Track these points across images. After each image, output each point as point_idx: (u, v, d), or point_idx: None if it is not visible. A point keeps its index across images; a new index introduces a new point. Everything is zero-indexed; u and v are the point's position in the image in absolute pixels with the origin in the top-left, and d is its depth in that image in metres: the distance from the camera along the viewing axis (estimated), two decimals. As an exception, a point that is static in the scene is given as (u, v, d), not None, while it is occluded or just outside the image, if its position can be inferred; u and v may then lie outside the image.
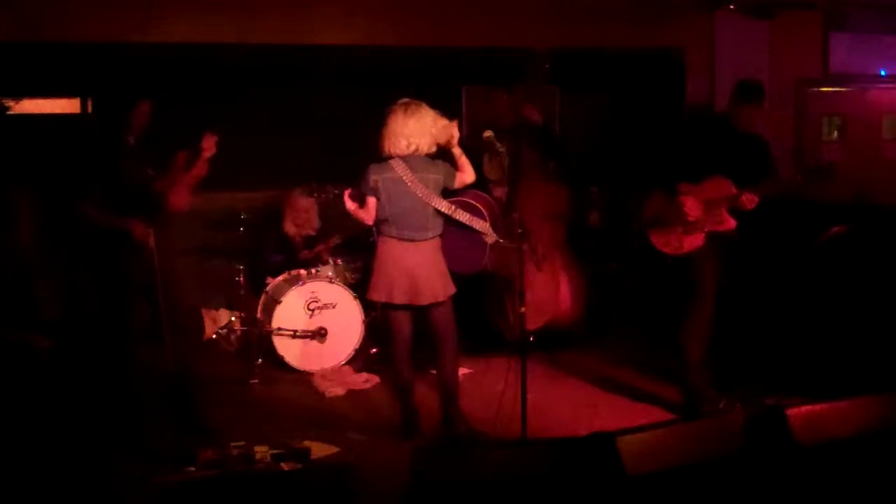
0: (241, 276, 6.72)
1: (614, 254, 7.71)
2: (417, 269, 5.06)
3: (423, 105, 5.10)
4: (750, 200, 5.26)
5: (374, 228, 6.65)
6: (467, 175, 5.19)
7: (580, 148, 8.03)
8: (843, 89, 9.02)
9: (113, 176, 5.11)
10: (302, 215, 7.03)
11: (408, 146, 5.02)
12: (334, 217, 7.27)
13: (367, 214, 5.15)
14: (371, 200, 5.10)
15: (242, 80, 7.32)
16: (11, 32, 6.61)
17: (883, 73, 8.82)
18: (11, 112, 6.89)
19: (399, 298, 5.09)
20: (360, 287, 6.81)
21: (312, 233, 7.13)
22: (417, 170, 5.01)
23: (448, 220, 5.15)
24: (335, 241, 7.15)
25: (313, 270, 6.75)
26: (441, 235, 5.17)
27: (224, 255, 6.92)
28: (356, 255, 6.98)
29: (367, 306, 6.72)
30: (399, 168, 5.02)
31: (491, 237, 5.15)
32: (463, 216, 5.11)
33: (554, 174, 6.98)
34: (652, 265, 5.77)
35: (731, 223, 5.37)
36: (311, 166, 7.11)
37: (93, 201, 5.06)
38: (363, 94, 7.62)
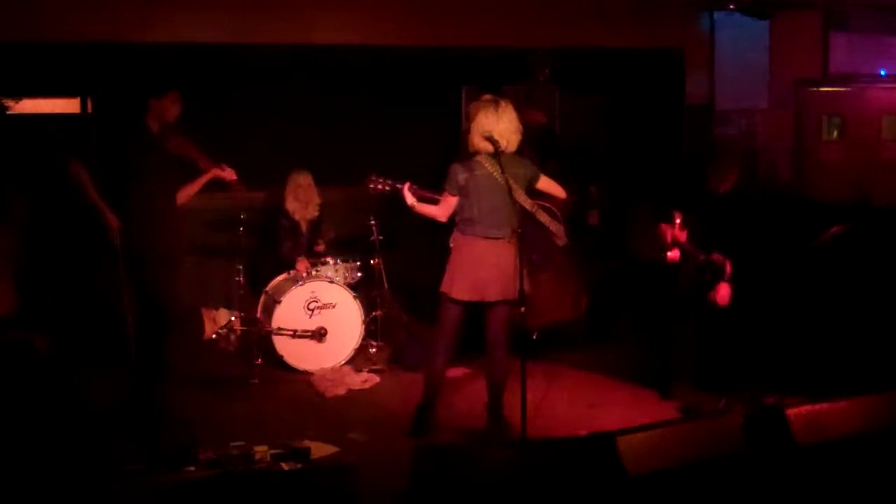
0: (241, 276, 6.72)
1: (614, 254, 7.71)
2: (507, 266, 5.02)
3: (507, 101, 5.08)
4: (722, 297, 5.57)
5: (373, 227, 6.71)
6: (559, 191, 5.26)
7: (580, 148, 8.03)
8: (842, 89, 9.01)
9: (129, 160, 5.20)
10: (304, 191, 7.01)
11: (499, 142, 4.97)
12: (340, 213, 7.32)
13: (442, 212, 5.12)
14: (453, 199, 5.05)
15: (242, 80, 7.31)
16: (11, 32, 6.61)
17: (883, 73, 8.81)
18: (11, 112, 6.89)
19: (492, 296, 5.03)
20: (359, 287, 6.82)
21: (315, 213, 7.10)
22: (507, 166, 4.97)
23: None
24: (329, 234, 7.17)
25: (313, 271, 6.74)
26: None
27: (224, 255, 6.92)
28: (356, 255, 6.98)
29: (367, 306, 6.72)
30: (489, 165, 4.99)
31: (562, 240, 5.19)
32: (543, 217, 5.16)
33: (555, 174, 6.98)
34: (650, 269, 5.86)
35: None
36: (311, 166, 7.11)
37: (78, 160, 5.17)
38: (363, 94, 7.64)
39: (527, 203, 5.07)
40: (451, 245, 5.17)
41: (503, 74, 7.54)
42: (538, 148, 6.82)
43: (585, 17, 8.17)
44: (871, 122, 8.90)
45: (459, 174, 5.02)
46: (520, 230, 4.97)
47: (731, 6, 8.64)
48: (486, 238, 5.04)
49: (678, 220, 5.68)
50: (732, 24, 8.82)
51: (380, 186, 5.34)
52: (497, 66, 7.67)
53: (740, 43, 8.85)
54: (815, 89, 8.98)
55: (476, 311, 5.16)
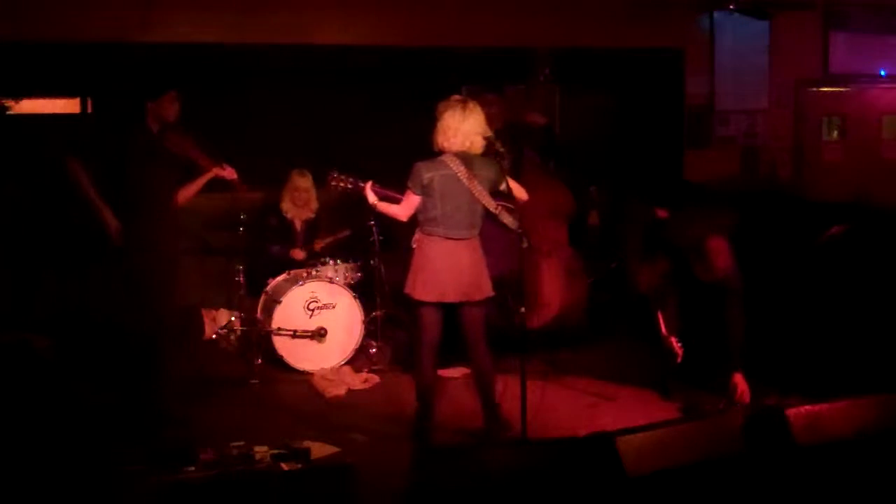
0: (241, 276, 6.72)
1: (614, 254, 7.72)
2: (468, 267, 5.02)
3: (474, 102, 5.07)
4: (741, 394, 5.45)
5: (373, 228, 6.70)
6: (521, 194, 5.24)
7: (580, 148, 8.04)
8: (843, 89, 9.03)
9: (124, 160, 5.21)
10: (301, 194, 7.02)
11: (463, 143, 4.97)
12: (341, 212, 7.31)
13: (404, 212, 5.08)
14: (416, 199, 5.01)
15: (242, 80, 7.31)
16: (11, 32, 6.61)
17: (883, 73, 8.83)
18: (11, 112, 6.89)
19: (452, 297, 5.02)
20: (359, 287, 6.82)
21: (311, 214, 7.11)
22: (472, 167, 4.97)
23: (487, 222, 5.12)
24: (342, 234, 7.17)
25: (313, 271, 6.74)
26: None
27: (224, 255, 6.92)
28: (355, 255, 6.98)
29: (367, 306, 6.72)
30: (454, 165, 4.96)
31: (525, 242, 5.17)
32: (506, 218, 5.12)
33: (554, 174, 6.99)
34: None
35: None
36: (310, 166, 7.11)
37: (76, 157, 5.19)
38: (363, 94, 7.64)
39: (491, 205, 5.03)
40: (414, 245, 5.15)
41: (503, 74, 7.55)
42: (537, 148, 6.84)
43: (585, 18, 8.17)
44: (871, 122, 8.92)
45: (423, 173, 4.98)
46: (520, 230, 4.96)
47: (731, 6, 8.65)
48: (449, 238, 5.01)
49: (661, 264, 5.70)
50: (732, 24, 8.82)
51: (342, 184, 5.35)
52: (497, 66, 7.68)
53: (740, 43, 8.86)
54: (815, 89, 9.00)
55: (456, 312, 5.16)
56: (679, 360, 5.64)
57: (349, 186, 5.31)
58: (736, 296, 5.42)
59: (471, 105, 5.02)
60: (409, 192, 5.03)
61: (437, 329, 5.13)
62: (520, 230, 5.07)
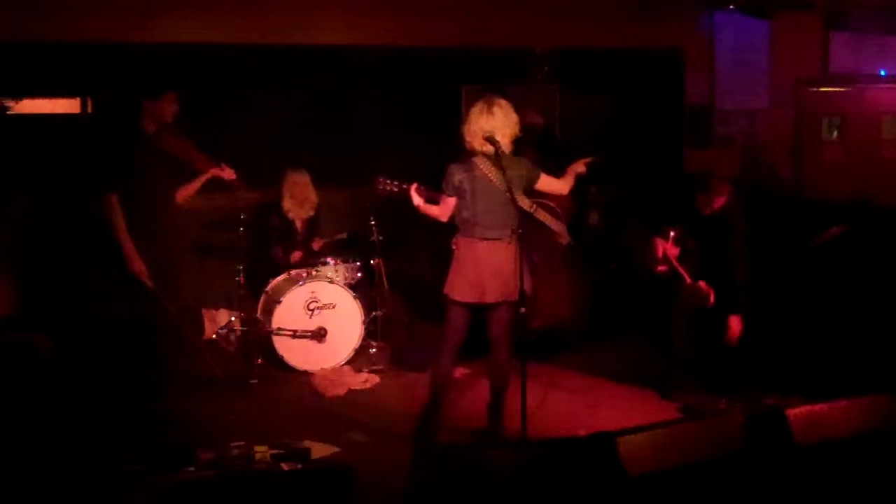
0: (241, 276, 6.73)
1: (614, 254, 7.72)
2: (506, 267, 4.99)
3: (503, 102, 5.04)
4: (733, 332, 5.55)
5: (373, 228, 6.71)
6: (560, 188, 5.27)
7: (580, 148, 8.02)
8: (842, 89, 9.02)
9: (126, 162, 5.19)
10: (301, 189, 7.02)
11: (482, 142, 4.97)
12: (341, 211, 7.32)
13: (442, 213, 5.11)
14: (451, 200, 5.04)
15: (242, 80, 7.31)
16: (11, 32, 6.61)
17: (883, 73, 8.82)
18: (11, 112, 6.89)
19: (490, 298, 5.02)
20: (359, 287, 6.82)
21: (312, 212, 7.11)
22: (505, 167, 4.93)
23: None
24: (339, 237, 7.16)
25: (313, 271, 6.75)
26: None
27: (224, 255, 6.92)
28: (356, 255, 6.98)
29: (367, 306, 6.72)
30: (483, 165, 4.97)
31: (565, 238, 5.18)
32: (543, 216, 5.12)
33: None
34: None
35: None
36: (310, 166, 7.11)
37: (116, 192, 5.15)
38: (363, 94, 7.64)
39: (525, 203, 5.04)
40: (453, 247, 5.17)
41: (503, 74, 7.55)
42: (537, 148, 6.83)
43: (585, 17, 8.17)
44: (871, 122, 8.90)
45: (455, 175, 5.00)
46: (520, 230, 4.96)
47: (731, 6, 8.65)
48: (485, 239, 5.01)
49: (672, 235, 5.78)
50: (732, 24, 8.83)
51: (388, 188, 5.38)
52: (497, 66, 7.67)
53: (740, 43, 8.86)
54: (815, 89, 8.99)
55: (479, 313, 5.15)
56: (711, 301, 5.66)
57: (395, 190, 5.34)
58: (739, 237, 5.55)
59: (501, 104, 5.01)
60: (444, 194, 5.07)
61: (465, 329, 5.14)
62: (558, 227, 5.09)
